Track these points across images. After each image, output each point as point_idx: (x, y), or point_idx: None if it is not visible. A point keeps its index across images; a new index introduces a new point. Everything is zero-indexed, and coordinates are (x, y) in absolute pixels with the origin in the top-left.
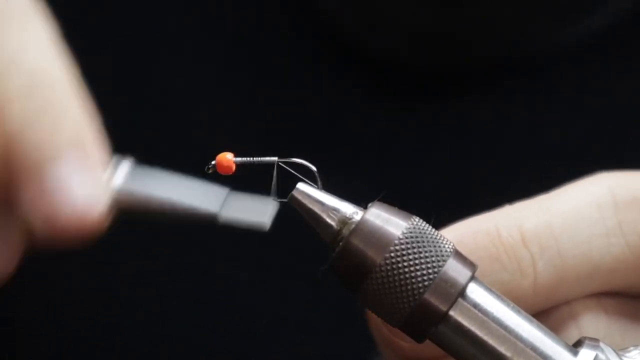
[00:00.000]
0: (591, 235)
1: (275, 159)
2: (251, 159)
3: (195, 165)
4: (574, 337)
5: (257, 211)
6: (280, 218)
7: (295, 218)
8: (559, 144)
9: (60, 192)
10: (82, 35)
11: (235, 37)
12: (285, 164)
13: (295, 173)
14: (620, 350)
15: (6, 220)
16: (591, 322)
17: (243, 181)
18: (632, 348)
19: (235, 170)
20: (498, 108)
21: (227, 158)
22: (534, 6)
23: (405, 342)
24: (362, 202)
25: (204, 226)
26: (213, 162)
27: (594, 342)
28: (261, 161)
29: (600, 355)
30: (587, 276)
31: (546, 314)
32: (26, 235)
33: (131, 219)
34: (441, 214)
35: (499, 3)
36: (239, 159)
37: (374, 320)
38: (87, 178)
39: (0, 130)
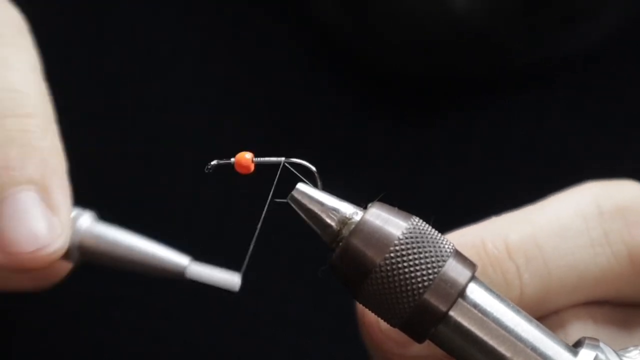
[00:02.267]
0: (576, 246)
1: (281, 159)
2: (257, 159)
3: (197, 166)
4: None
5: (224, 275)
6: (282, 218)
7: (296, 218)
8: (560, 150)
9: (15, 224)
10: (87, 40)
11: (236, 44)
12: (283, 165)
13: (296, 173)
14: (620, 350)
15: None
16: (579, 330)
17: (239, 182)
18: (632, 348)
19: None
20: (499, 114)
21: (246, 157)
22: (535, 14)
23: (392, 345)
24: (362, 203)
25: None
26: (213, 163)
27: (594, 342)
28: (267, 161)
29: (600, 356)
30: (574, 286)
31: None
32: None
33: (93, 265)
34: (441, 219)
35: (501, 11)
36: (257, 159)
37: (362, 321)
38: (46, 213)
39: None
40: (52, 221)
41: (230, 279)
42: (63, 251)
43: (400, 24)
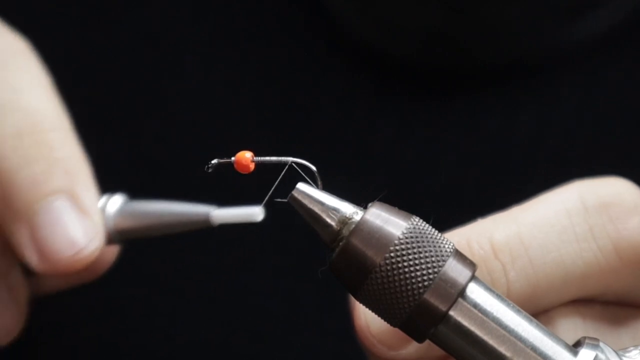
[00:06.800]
0: (562, 242)
1: (282, 158)
2: (260, 158)
3: (204, 162)
4: None
5: (246, 209)
6: (291, 218)
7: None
8: (565, 144)
9: (52, 232)
10: (95, 38)
11: (246, 37)
12: (284, 164)
13: (300, 171)
14: (620, 350)
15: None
16: (569, 328)
17: (241, 180)
18: (632, 348)
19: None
20: (505, 108)
21: (246, 157)
22: (540, 7)
23: (382, 348)
24: (370, 200)
25: (209, 231)
26: (213, 162)
27: (594, 341)
28: (268, 161)
29: (600, 355)
30: (561, 283)
31: None
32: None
33: (134, 242)
34: (448, 213)
35: (506, 4)
36: (257, 158)
37: (357, 324)
38: (79, 217)
39: None
40: (85, 224)
41: (252, 211)
42: (100, 249)
43: (406, 17)
